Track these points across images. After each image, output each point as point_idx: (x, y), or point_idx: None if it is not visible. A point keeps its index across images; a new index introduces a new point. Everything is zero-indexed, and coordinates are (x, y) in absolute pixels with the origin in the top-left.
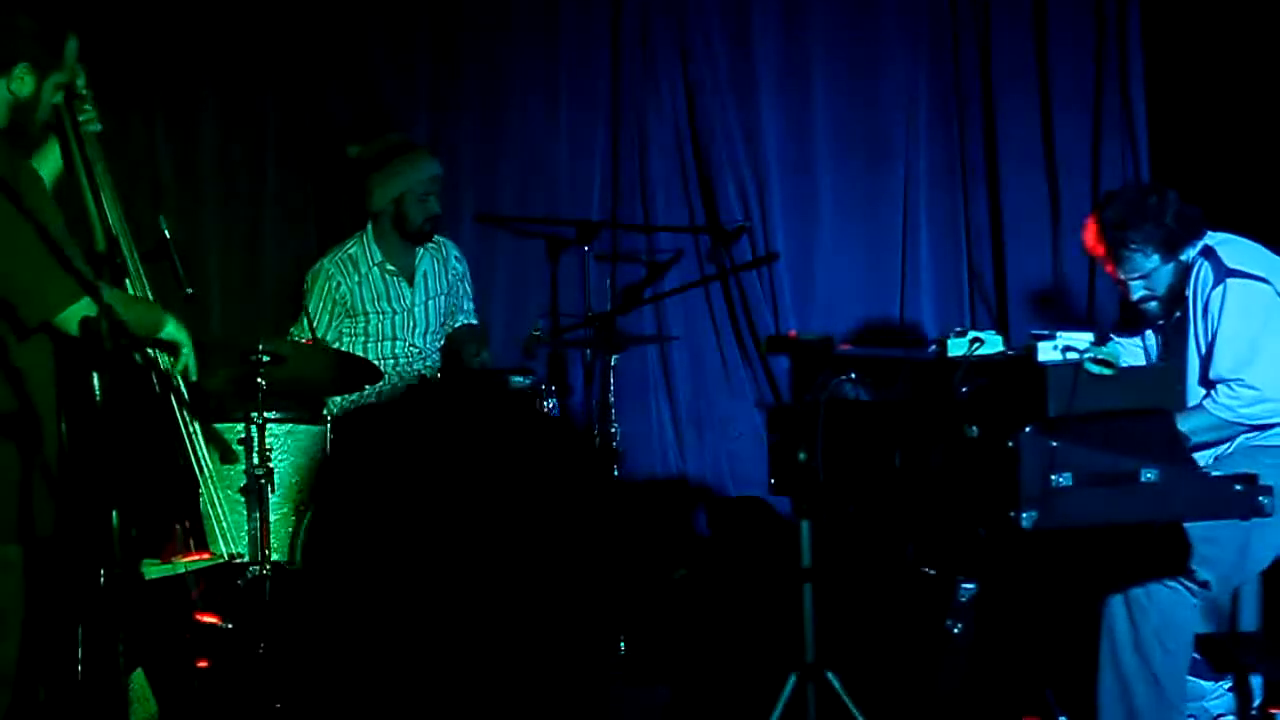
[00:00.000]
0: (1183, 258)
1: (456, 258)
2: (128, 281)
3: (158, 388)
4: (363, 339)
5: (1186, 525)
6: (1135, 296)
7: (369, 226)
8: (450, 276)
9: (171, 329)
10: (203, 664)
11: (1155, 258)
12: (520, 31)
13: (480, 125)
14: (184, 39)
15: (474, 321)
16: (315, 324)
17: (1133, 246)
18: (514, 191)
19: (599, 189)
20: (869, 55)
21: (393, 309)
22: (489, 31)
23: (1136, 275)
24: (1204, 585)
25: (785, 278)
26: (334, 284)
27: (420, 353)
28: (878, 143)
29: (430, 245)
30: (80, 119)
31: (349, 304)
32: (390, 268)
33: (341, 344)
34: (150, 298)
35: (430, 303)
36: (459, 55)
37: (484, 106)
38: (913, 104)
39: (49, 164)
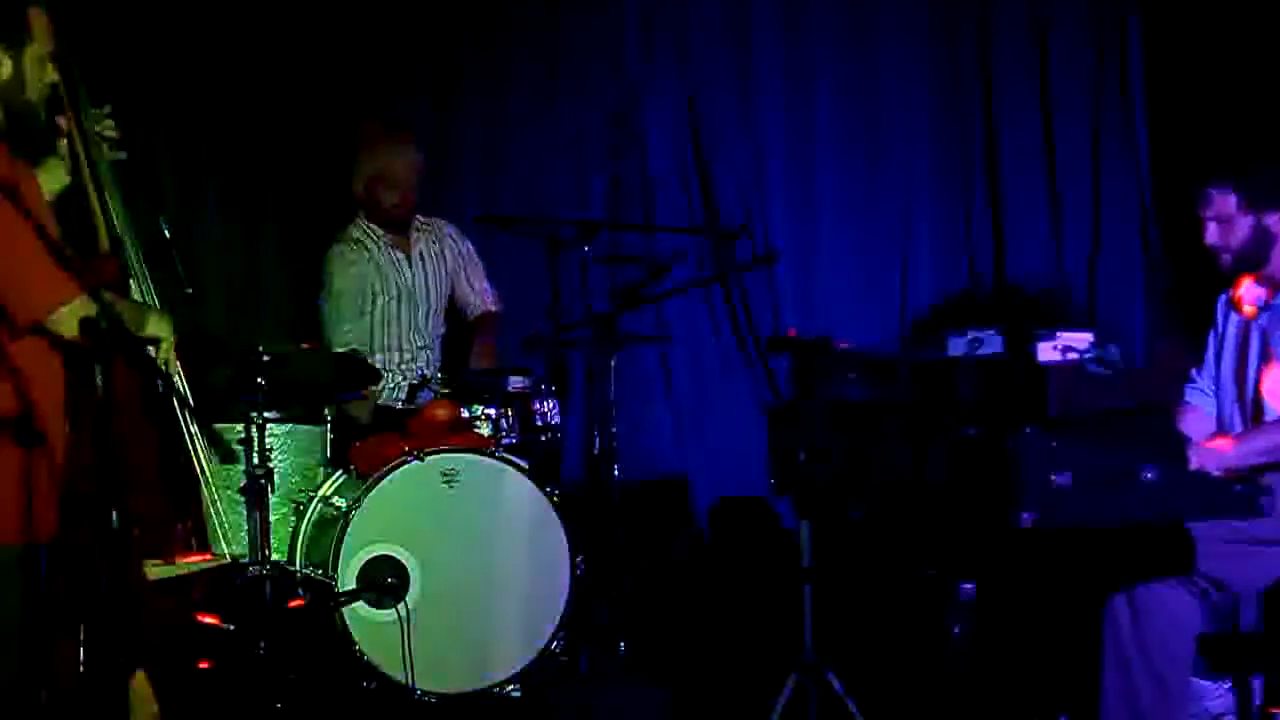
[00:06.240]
0: (1266, 221)
1: (452, 235)
2: (132, 283)
3: (159, 388)
4: (368, 323)
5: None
6: (1207, 239)
7: (360, 214)
8: (449, 254)
9: (151, 325)
10: (204, 665)
11: (1232, 201)
12: (520, 31)
13: (480, 125)
14: (185, 37)
15: (493, 308)
16: (344, 300)
17: (1215, 181)
18: (514, 191)
19: (599, 189)
20: (869, 55)
21: (397, 289)
22: (489, 31)
23: (1210, 215)
24: (1204, 593)
25: (785, 278)
26: (349, 260)
27: (424, 342)
28: (878, 143)
29: (423, 226)
30: (107, 135)
31: (364, 285)
32: (391, 243)
33: (360, 325)
34: (155, 299)
35: (430, 281)
36: (459, 55)
37: (484, 106)
38: (913, 104)
39: (50, 182)
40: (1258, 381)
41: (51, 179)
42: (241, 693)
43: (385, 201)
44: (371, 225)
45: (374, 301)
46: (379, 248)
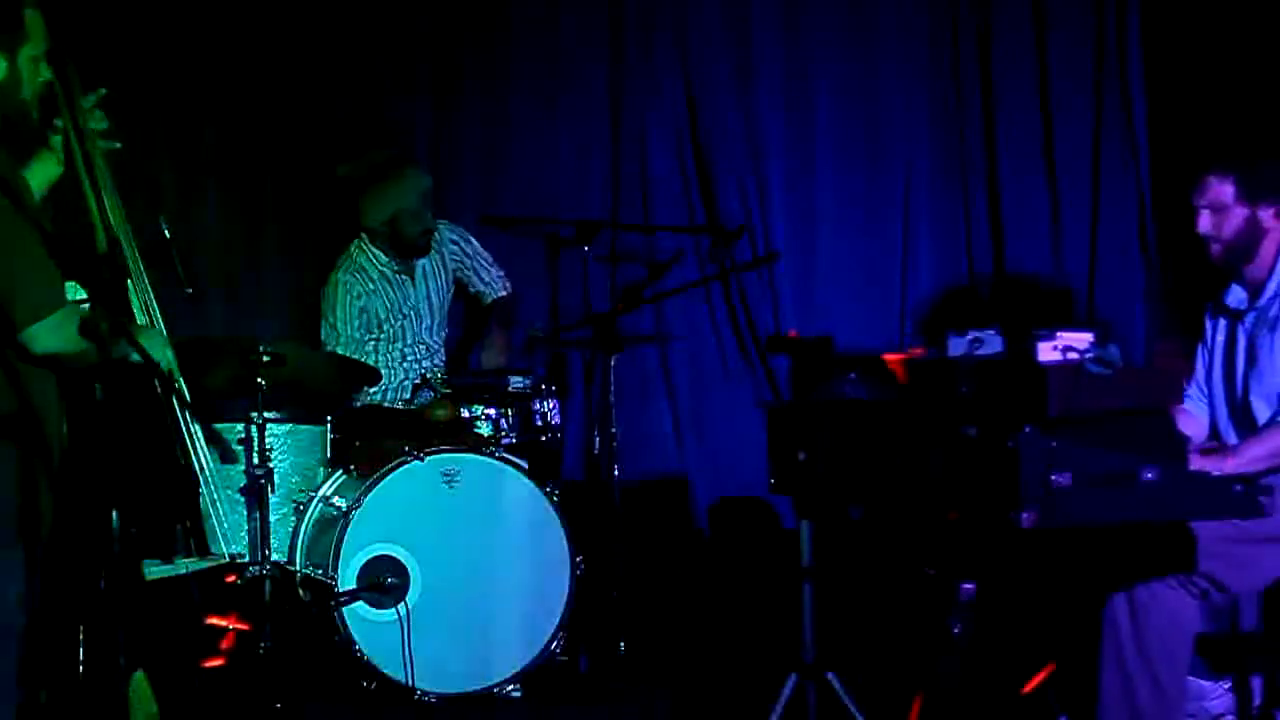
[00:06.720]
0: (1260, 215)
1: (452, 239)
2: (130, 283)
3: (159, 388)
4: (373, 342)
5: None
6: (1199, 226)
7: (363, 235)
8: (449, 259)
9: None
10: (216, 662)
11: (1230, 190)
12: (520, 32)
13: (480, 125)
14: (187, 39)
15: (504, 294)
16: (343, 337)
17: (1216, 169)
18: (514, 192)
19: (599, 189)
20: (869, 55)
21: (403, 313)
22: (489, 31)
23: (1205, 203)
24: (1204, 594)
25: (785, 278)
26: (354, 294)
27: (428, 349)
28: (878, 142)
29: None
30: (93, 127)
31: (370, 313)
32: (396, 267)
33: (363, 353)
34: (153, 299)
35: (433, 294)
36: (459, 55)
37: (484, 106)
38: (913, 104)
39: (42, 173)
40: (1245, 385)
41: (44, 170)
42: (241, 693)
43: (409, 233)
44: (376, 250)
45: (380, 328)
46: (385, 272)
